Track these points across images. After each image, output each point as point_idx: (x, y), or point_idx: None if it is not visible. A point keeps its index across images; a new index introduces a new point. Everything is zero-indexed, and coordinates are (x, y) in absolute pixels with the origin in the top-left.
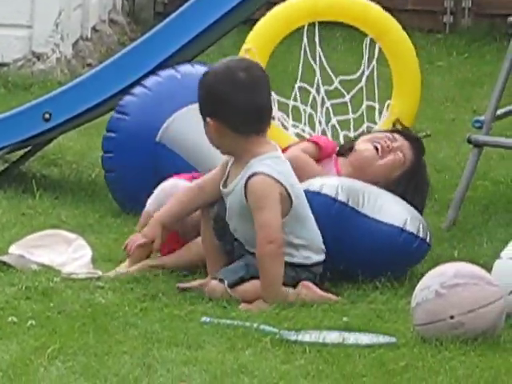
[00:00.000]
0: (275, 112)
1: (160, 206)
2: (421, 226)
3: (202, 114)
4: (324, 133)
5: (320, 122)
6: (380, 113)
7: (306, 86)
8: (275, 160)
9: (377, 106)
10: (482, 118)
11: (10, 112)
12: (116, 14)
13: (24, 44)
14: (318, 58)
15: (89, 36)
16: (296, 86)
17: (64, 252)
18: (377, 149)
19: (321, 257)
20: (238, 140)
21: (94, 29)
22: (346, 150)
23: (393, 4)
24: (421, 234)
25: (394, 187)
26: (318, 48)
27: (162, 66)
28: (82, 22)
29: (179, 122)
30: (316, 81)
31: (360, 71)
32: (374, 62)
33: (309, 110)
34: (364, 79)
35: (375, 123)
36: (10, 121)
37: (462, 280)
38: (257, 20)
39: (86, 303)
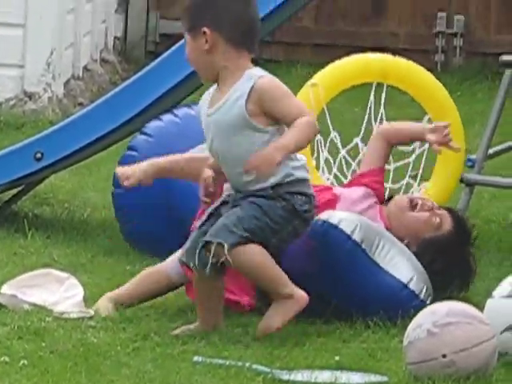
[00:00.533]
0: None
1: None
2: (424, 288)
3: (192, 25)
4: None
5: None
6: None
7: (359, 142)
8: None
9: (416, 183)
10: (473, 156)
11: (2, 151)
12: (107, 53)
13: (16, 83)
14: (378, 119)
15: (80, 75)
16: (355, 139)
17: (56, 291)
18: (412, 202)
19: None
20: (230, 53)
21: (85, 68)
22: (387, 200)
23: (384, 43)
24: (422, 296)
25: (421, 250)
26: (381, 109)
27: (153, 105)
28: (73, 62)
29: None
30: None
31: (412, 146)
32: (427, 145)
33: (354, 165)
34: (413, 157)
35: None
36: (1, 160)
37: (454, 319)
38: None
39: (78, 343)
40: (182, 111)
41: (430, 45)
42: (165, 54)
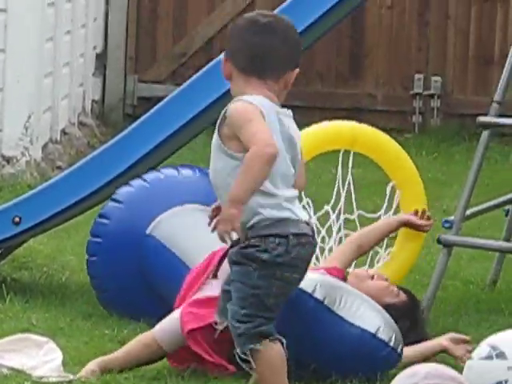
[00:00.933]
0: None
1: None
2: (394, 336)
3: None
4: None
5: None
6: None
7: (329, 209)
8: (259, 97)
9: (382, 251)
10: (451, 218)
11: None
12: (85, 117)
13: None
14: (346, 185)
15: (58, 139)
16: (325, 207)
17: (35, 355)
18: (370, 273)
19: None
20: (239, 80)
21: (63, 131)
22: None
23: (362, 104)
24: (392, 344)
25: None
26: (349, 176)
27: (133, 167)
28: (51, 125)
29: (173, 218)
30: (339, 207)
31: (378, 213)
32: (391, 212)
33: (323, 232)
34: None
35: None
36: None
37: (432, 381)
38: None
39: None
40: (150, 176)
41: (407, 106)
42: (143, 117)
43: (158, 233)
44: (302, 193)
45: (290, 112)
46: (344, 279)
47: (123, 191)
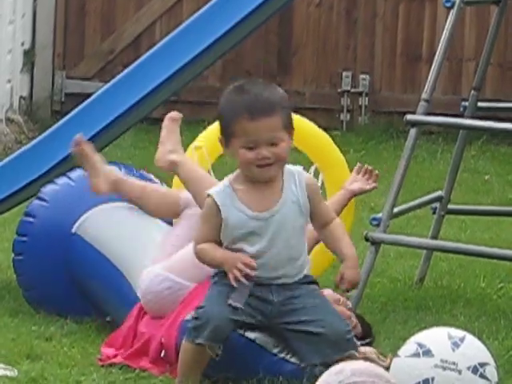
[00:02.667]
0: None
1: None
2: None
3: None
4: None
5: None
6: None
7: None
8: None
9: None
10: (379, 215)
11: None
12: (13, 113)
13: None
14: None
15: None
16: None
17: None
18: (336, 297)
19: None
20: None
21: None
22: None
23: (290, 101)
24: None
25: None
26: None
27: (60, 165)
28: None
29: (98, 216)
30: None
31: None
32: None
33: None
34: None
35: None
36: None
37: (359, 378)
38: (154, 118)
39: None
40: (76, 174)
41: (335, 104)
42: (70, 114)
43: (84, 231)
44: None
45: None
46: None
47: (48, 189)
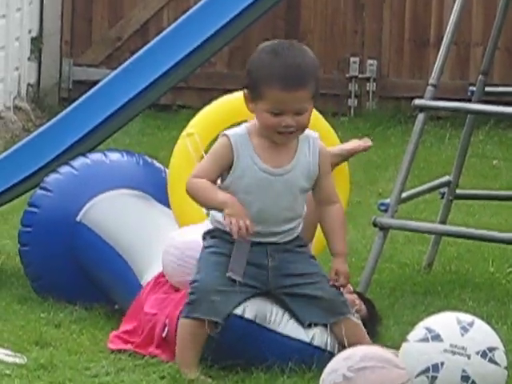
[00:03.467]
0: None
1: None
2: (328, 339)
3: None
4: None
5: None
6: None
7: None
8: None
9: None
10: (387, 200)
11: None
12: (21, 101)
13: None
14: None
15: None
16: None
17: None
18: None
19: None
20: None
21: None
22: None
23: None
24: (328, 347)
25: None
26: None
27: (67, 152)
28: None
29: (102, 204)
30: None
31: None
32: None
33: None
34: None
35: None
36: None
37: (369, 363)
38: (163, 105)
39: None
40: (78, 162)
41: (343, 89)
42: (78, 101)
43: (88, 220)
44: None
45: None
46: None
47: (51, 179)
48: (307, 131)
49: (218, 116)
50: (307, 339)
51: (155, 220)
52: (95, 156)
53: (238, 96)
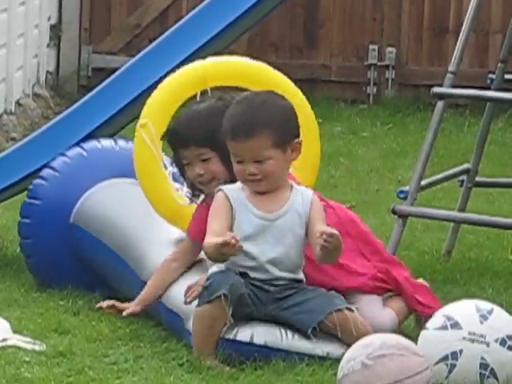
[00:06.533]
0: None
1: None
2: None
3: (282, 141)
4: None
5: None
6: None
7: None
8: None
9: None
10: (406, 188)
11: None
12: (40, 88)
13: None
14: None
15: (13, 110)
16: None
17: None
18: None
19: None
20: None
21: (17, 103)
22: None
23: (316, 75)
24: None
25: None
26: None
27: (86, 139)
28: (5, 96)
29: (91, 201)
30: None
31: None
32: None
33: None
34: None
35: None
36: None
37: (388, 351)
38: None
39: (12, 378)
40: (89, 145)
41: (361, 77)
42: (97, 88)
43: (80, 220)
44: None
45: None
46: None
47: (59, 161)
48: (301, 188)
49: (165, 99)
50: (321, 353)
51: (151, 211)
52: (73, 152)
53: (176, 75)
